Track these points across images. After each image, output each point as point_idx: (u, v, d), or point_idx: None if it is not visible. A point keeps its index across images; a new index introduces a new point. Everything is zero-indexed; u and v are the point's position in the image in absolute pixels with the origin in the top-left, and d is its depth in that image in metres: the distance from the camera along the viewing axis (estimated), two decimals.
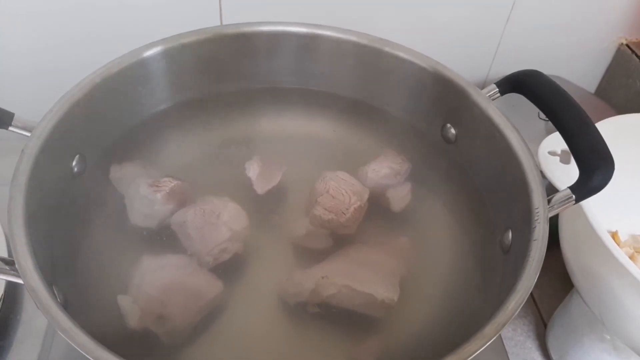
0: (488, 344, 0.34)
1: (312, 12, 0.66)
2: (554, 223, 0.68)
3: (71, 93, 0.47)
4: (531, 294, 0.68)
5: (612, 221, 0.58)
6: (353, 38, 0.54)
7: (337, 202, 0.48)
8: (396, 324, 0.45)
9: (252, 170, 0.50)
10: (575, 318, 0.58)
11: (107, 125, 0.51)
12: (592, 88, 0.85)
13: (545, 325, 0.65)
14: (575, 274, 0.51)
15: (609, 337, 0.55)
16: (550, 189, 0.45)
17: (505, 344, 0.63)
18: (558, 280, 0.69)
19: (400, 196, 0.51)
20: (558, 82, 0.70)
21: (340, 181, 0.50)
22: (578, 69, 0.82)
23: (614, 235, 0.58)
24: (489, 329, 0.35)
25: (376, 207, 0.51)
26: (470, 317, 0.42)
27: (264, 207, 0.51)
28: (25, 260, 0.37)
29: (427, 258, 0.49)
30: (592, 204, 0.45)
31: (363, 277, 0.45)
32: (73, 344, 0.33)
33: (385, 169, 0.52)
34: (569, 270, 0.52)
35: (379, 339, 0.45)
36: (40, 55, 0.66)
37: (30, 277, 0.36)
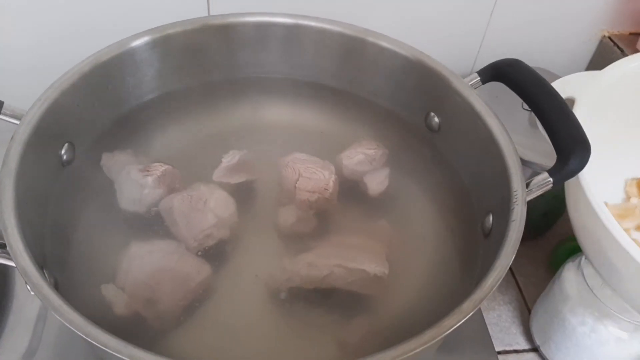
0: (466, 318, 0.35)
1: (300, 3, 0.66)
2: (539, 215, 0.70)
3: (60, 81, 0.48)
4: (516, 281, 0.70)
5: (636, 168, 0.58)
6: (337, 28, 0.55)
7: (315, 181, 0.49)
8: (380, 305, 0.46)
9: (230, 158, 0.51)
10: (557, 304, 0.59)
11: (95, 114, 0.52)
12: None
13: (529, 312, 0.67)
14: (580, 236, 0.51)
15: (590, 321, 0.56)
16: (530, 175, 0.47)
17: (490, 330, 0.64)
18: (542, 269, 0.71)
19: (377, 181, 0.52)
20: (542, 74, 0.72)
21: (303, 162, 0.51)
22: (562, 61, 0.84)
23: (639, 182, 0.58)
24: (467, 304, 0.36)
25: (356, 193, 0.52)
26: (452, 297, 0.43)
27: (252, 195, 0.52)
28: (16, 242, 0.38)
29: (409, 241, 0.51)
30: (612, 154, 0.46)
31: (353, 256, 0.47)
32: (64, 321, 0.34)
33: (359, 155, 0.53)
34: (575, 232, 0.52)
35: (363, 320, 0.46)
36: (31, 49, 0.66)
37: (21, 258, 0.37)
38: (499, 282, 0.37)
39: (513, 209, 0.42)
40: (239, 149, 0.51)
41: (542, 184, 0.44)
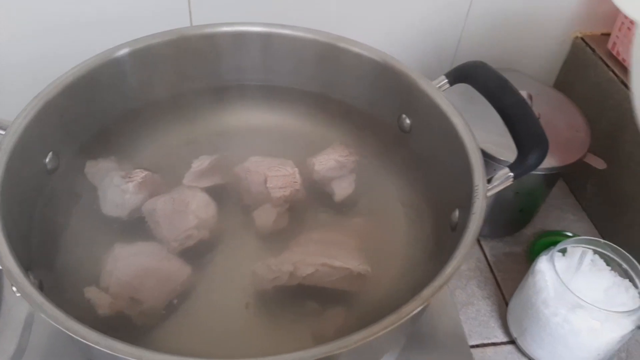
0: (424, 305, 0.37)
1: (281, 13, 0.68)
2: (515, 211, 0.72)
3: (44, 92, 0.50)
4: (494, 277, 0.72)
5: None
6: (310, 35, 0.58)
7: (283, 177, 0.52)
8: (356, 299, 0.48)
9: (199, 163, 0.53)
10: (531, 297, 0.61)
11: (79, 123, 0.54)
12: (550, 81, 0.89)
13: (507, 306, 0.69)
14: None
15: (563, 312, 0.58)
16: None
17: (469, 324, 0.67)
18: (520, 264, 0.73)
19: (342, 187, 0.54)
20: (517, 76, 0.74)
21: (264, 163, 0.53)
22: (536, 62, 0.86)
23: None
24: (426, 291, 0.38)
25: (326, 196, 0.54)
26: (423, 288, 0.45)
27: (233, 197, 0.54)
28: (2, 245, 0.40)
29: (383, 237, 0.53)
30: None
31: (336, 254, 0.49)
32: (46, 317, 0.36)
33: (332, 162, 0.55)
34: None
35: (339, 314, 0.48)
36: (18, 54, 0.68)
37: (6, 259, 0.39)
38: (457, 270, 0.39)
39: (474, 202, 0.44)
40: (211, 154, 0.54)
41: (504, 179, 0.46)
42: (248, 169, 0.53)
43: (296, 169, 0.53)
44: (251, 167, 0.53)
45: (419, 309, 0.36)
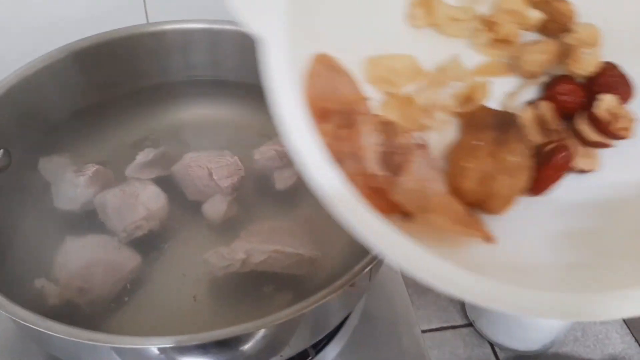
0: (357, 278, 0.38)
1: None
2: None
3: None
4: None
5: None
6: None
7: (227, 166, 0.53)
8: (306, 281, 0.50)
9: (144, 156, 0.54)
10: None
11: (30, 122, 0.54)
12: None
13: None
14: None
15: None
16: None
17: (428, 309, 0.68)
18: None
19: (284, 177, 0.55)
20: None
21: (203, 157, 0.54)
22: None
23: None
24: (357, 267, 0.39)
25: (271, 186, 0.56)
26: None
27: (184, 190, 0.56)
28: None
29: (330, 223, 0.53)
30: None
31: (287, 241, 0.50)
32: None
33: (271, 152, 0.56)
34: None
35: (288, 298, 0.49)
36: None
37: None
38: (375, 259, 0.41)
39: None
40: (156, 147, 0.55)
41: None
42: (188, 165, 0.54)
43: (236, 157, 0.54)
44: (191, 163, 0.54)
45: (351, 281, 0.38)
